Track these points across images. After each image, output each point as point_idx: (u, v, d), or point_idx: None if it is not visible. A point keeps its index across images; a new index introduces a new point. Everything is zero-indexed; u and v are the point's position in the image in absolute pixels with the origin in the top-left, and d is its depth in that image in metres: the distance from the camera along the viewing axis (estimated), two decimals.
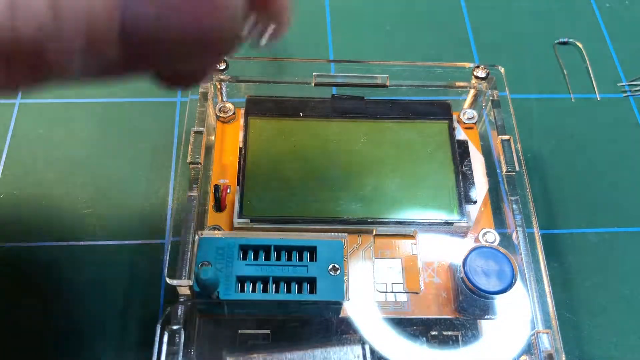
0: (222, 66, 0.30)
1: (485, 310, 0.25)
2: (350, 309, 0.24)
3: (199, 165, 0.27)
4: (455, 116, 0.30)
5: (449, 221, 0.27)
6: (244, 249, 0.24)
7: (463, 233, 0.27)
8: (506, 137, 0.29)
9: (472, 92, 0.31)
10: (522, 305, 0.25)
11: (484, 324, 0.25)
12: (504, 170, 0.28)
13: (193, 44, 0.12)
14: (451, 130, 0.30)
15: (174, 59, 0.13)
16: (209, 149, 0.29)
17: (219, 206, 0.28)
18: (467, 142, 0.30)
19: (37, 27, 0.11)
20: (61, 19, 0.11)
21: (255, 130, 0.29)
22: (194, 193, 0.26)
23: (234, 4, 0.12)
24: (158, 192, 0.31)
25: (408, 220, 0.27)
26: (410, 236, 0.27)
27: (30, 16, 0.11)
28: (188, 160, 0.27)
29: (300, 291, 0.24)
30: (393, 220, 0.27)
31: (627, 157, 0.34)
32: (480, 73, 0.31)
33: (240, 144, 0.29)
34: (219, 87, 0.31)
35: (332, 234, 0.25)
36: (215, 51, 0.13)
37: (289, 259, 0.24)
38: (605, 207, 0.32)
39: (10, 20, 0.11)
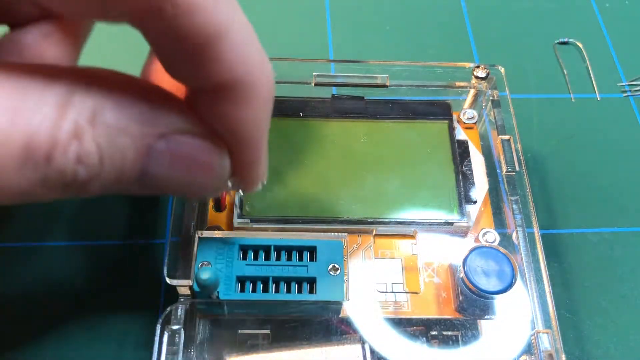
0: None
1: (485, 310, 0.25)
2: (350, 309, 0.24)
3: None
4: (455, 116, 0.30)
5: (449, 221, 0.27)
6: (244, 249, 0.24)
7: (463, 233, 0.27)
8: (506, 137, 0.29)
9: (472, 92, 0.31)
10: (522, 305, 0.25)
11: (484, 324, 0.25)
12: (504, 170, 0.28)
13: (189, 191, 0.18)
14: (451, 130, 0.30)
15: (173, 194, 0.20)
16: None
17: (219, 206, 0.28)
18: (467, 142, 0.30)
19: (89, 172, 0.16)
20: (104, 167, 0.16)
21: None
22: None
23: (222, 173, 0.18)
24: None
25: (408, 220, 0.27)
26: (410, 236, 0.27)
27: (87, 166, 0.15)
28: None
29: (300, 291, 0.24)
30: (393, 220, 0.27)
31: (627, 157, 0.34)
32: (480, 73, 0.31)
33: None
34: None
35: (332, 234, 0.25)
36: (204, 196, 0.21)
37: (289, 259, 0.24)
38: (605, 207, 0.32)
39: (73, 171, 0.15)
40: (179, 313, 0.23)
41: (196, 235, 0.25)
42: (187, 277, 0.24)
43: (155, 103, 0.17)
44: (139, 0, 0.14)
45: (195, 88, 0.17)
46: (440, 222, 0.27)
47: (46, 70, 0.16)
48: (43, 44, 0.20)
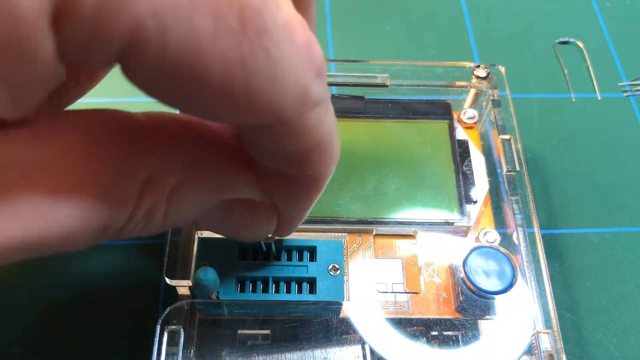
0: None
1: (486, 310, 0.25)
2: (350, 309, 0.24)
3: None
4: (455, 116, 0.30)
5: (450, 221, 0.27)
6: (244, 249, 0.24)
7: (463, 233, 0.27)
8: (507, 136, 0.29)
9: (472, 91, 0.31)
10: (523, 306, 0.25)
11: (485, 324, 0.25)
12: (505, 170, 0.28)
13: (229, 236, 0.21)
14: (451, 130, 0.30)
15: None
16: None
17: None
18: (467, 141, 0.30)
19: (147, 232, 0.16)
20: (162, 227, 0.17)
21: None
22: None
23: (266, 233, 0.20)
24: None
25: (408, 220, 0.27)
26: (411, 236, 0.27)
27: (148, 230, 0.16)
28: None
29: (300, 291, 0.24)
30: (393, 220, 0.27)
31: (628, 157, 0.34)
32: (481, 72, 0.31)
33: None
34: None
35: (332, 234, 0.25)
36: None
37: (289, 259, 0.24)
38: (606, 207, 0.32)
39: (134, 233, 0.16)
40: (179, 313, 0.23)
41: (196, 235, 0.25)
42: (186, 277, 0.24)
43: (226, 170, 0.17)
44: (250, 118, 0.14)
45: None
46: (441, 222, 0.27)
47: (136, 136, 0.15)
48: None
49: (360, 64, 0.31)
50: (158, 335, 0.23)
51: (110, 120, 0.15)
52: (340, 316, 0.24)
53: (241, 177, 0.17)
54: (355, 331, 0.24)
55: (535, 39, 0.39)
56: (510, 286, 0.24)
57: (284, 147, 0.15)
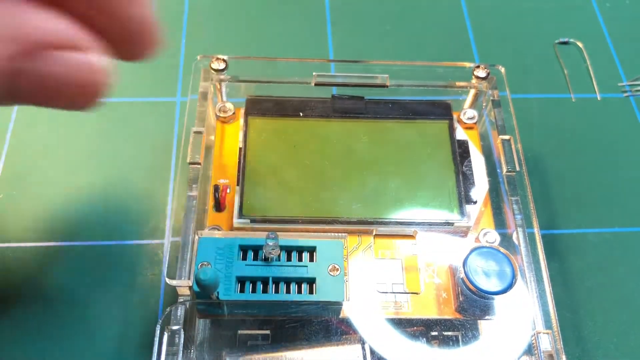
0: (222, 66, 0.30)
1: (486, 310, 0.25)
2: (350, 309, 0.24)
3: (199, 165, 0.27)
4: (455, 116, 0.30)
5: (450, 221, 0.27)
6: (244, 249, 0.24)
7: (463, 233, 0.27)
8: (506, 137, 0.29)
9: (472, 92, 0.31)
10: (523, 306, 0.25)
11: (484, 325, 0.25)
12: (505, 170, 0.28)
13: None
14: (451, 130, 0.30)
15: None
16: (208, 149, 0.29)
17: (219, 206, 0.27)
18: (467, 142, 0.30)
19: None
20: None
21: (255, 130, 0.29)
22: (194, 193, 0.26)
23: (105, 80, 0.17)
24: (158, 192, 0.31)
25: (408, 220, 0.27)
26: (411, 236, 0.27)
27: None
28: (188, 160, 0.27)
29: (300, 291, 0.24)
30: (393, 220, 0.27)
31: (628, 157, 0.34)
32: (481, 73, 0.31)
33: (240, 144, 0.29)
34: (218, 87, 0.30)
35: (332, 234, 0.25)
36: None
37: (289, 259, 0.24)
38: (605, 207, 0.32)
39: None
40: (179, 313, 0.23)
41: (196, 236, 0.25)
42: (186, 277, 0.24)
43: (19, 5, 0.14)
44: None
45: None
46: (441, 222, 0.27)
47: None
48: None
49: (360, 64, 0.31)
50: (158, 336, 0.23)
51: None
52: (340, 316, 0.24)
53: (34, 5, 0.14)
54: (355, 331, 0.24)
55: (535, 39, 0.39)
56: (510, 286, 0.24)
57: None
